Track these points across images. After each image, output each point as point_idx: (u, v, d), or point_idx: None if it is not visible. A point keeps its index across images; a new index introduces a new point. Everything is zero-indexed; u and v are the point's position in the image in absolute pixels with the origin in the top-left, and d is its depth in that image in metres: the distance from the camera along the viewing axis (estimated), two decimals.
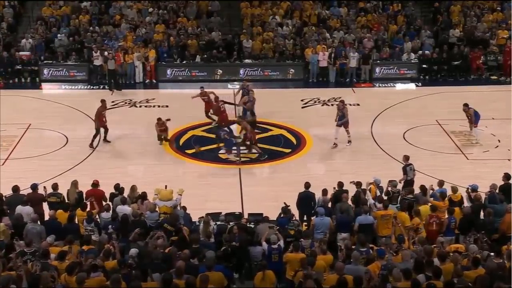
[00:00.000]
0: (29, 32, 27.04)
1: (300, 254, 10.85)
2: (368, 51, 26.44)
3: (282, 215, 13.15)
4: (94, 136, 19.02)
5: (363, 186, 14.11)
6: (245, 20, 28.36)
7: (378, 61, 26.58)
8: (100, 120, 18.98)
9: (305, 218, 14.03)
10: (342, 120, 19.13)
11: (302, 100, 23.54)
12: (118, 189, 14.24)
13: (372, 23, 28.18)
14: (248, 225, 12.98)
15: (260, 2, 29.38)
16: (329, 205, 13.71)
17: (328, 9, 29.08)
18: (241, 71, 26.21)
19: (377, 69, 26.38)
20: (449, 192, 14.07)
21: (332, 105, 23.33)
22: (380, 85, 25.88)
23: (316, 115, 22.44)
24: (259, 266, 10.62)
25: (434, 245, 11.31)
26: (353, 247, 11.18)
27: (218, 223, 13.05)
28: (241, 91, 21.39)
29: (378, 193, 14.11)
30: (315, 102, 23.61)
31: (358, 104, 23.37)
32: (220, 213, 13.80)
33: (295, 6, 29.15)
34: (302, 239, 11.68)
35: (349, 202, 13.61)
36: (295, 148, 19.67)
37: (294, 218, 13.19)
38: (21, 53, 25.83)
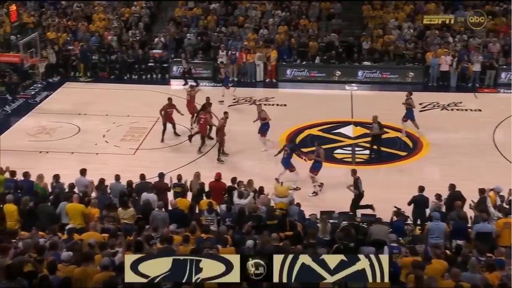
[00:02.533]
0: (162, 32, 28.52)
1: (414, 258, 10.68)
2: (496, 55, 25.51)
3: (395, 218, 13.15)
4: (163, 132, 19.91)
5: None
6: (369, 23, 28.21)
7: (505, 66, 25.55)
8: (167, 116, 19.78)
9: (418, 222, 13.94)
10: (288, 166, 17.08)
11: (420, 104, 23.09)
12: (236, 182, 14.75)
13: (499, 27, 27.13)
14: (361, 225, 13.09)
15: (382, 5, 29.19)
16: (443, 209, 13.53)
17: (453, 13, 28.32)
18: (359, 73, 26.24)
19: (503, 74, 25.39)
20: None
21: (451, 109, 22.86)
22: (505, 91, 24.86)
23: (435, 119, 22.06)
24: None
25: None
26: (470, 254, 10.87)
27: (331, 221, 13.22)
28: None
29: (499, 202, 13.73)
30: (434, 106, 23.21)
31: (480, 110, 22.76)
32: (334, 211, 14.07)
33: (418, 9, 28.69)
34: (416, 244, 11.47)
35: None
36: (411, 151, 19.51)
37: (408, 221, 13.19)
38: (154, 51, 27.33)
